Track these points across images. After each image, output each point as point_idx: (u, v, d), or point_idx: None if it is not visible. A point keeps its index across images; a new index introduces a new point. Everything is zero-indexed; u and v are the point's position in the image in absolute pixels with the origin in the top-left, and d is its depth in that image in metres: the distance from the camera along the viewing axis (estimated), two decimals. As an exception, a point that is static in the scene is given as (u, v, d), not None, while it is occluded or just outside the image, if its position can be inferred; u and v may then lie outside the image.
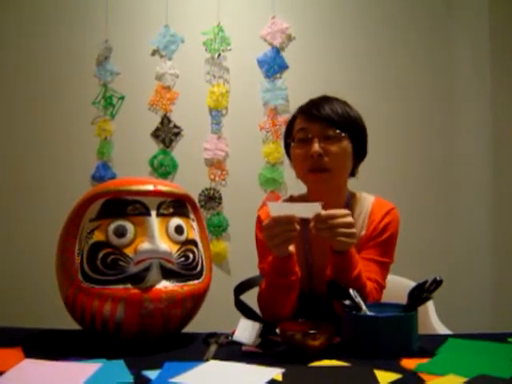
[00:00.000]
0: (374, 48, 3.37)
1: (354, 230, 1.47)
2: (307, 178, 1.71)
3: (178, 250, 1.45)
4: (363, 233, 1.71)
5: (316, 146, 1.63)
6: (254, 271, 1.83)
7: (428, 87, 3.36)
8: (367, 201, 1.77)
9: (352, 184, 1.81)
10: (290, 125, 1.77)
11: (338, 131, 1.65)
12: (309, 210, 1.47)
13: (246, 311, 1.63)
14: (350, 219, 1.47)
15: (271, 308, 1.61)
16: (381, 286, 1.68)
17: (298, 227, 1.47)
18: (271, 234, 1.48)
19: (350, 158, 1.70)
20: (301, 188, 1.83)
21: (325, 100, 1.72)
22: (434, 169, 3.32)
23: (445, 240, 3.27)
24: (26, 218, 3.43)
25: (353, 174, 1.78)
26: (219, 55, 3.40)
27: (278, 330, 1.38)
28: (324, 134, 1.65)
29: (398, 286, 1.95)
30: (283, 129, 1.88)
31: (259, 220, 1.85)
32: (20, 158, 3.46)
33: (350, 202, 1.75)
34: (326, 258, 1.57)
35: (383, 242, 1.70)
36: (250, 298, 1.67)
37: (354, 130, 1.70)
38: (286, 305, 1.61)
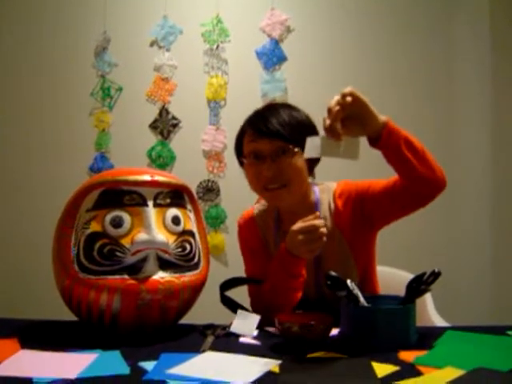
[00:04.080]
0: (373, 40, 3.36)
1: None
2: (263, 195, 1.71)
3: (175, 240, 1.44)
4: (333, 211, 1.71)
5: (268, 167, 1.61)
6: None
7: (427, 78, 3.34)
8: (329, 188, 1.76)
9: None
10: (240, 139, 1.72)
11: (289, 146, 1.61)
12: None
13: (232, 306, 1.63)
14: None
15: (272, 309, 1.55)
16: None
17: (324, 231, 1.49)
18: (300, 241, 1.51)
19: (305, 167, 1.67)
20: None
21: (271, 111, 1.66)
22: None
23: (444, 233, 3.27)
24: (23, 208, 3.42)
25: (311, 174, 1.74)
26: (218, 46, 3.39)
27: (275, 322, 1.37)
28: (275, 151, 1.62)
29: (396, 279, 1.95)
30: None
31: (239, 226, 1.86)
32: (17, 149, 3.45)
33: (318, 204, 1.73)
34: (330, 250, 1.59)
35: (369, 186, 1.68)
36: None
37: (304, 137, 1.59)
38: (289, 306, 1.61)
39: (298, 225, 1.52)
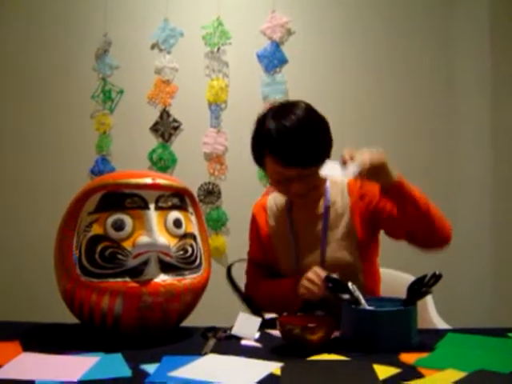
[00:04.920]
0: (373, 42, 3.35)
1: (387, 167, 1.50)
2: (291, 199, 1.78)
3: (177, 243, 1.45)
4: (348, 202, 1.75)
5: (296, 187, 1.64)
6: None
7: (427, 83, 3.34)
8: (342, 180, 1.79)
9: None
10: (260, 155, 1.69)
11: (313, 168, 1.59)
12: None
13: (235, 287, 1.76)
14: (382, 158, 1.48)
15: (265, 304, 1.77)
16: None
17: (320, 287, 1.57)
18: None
19: None
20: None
21: (295, 136, 1.60)
22: (434, 164, 3.31)
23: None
24: (24, 211, 3.42)
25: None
26: (219, 49, 3.39)
27: (277, 324, 1.38)
28: (302, 174, 1.62)
29: (397, 281, 1.95)
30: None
31: (252, 213, 1.92)
32: (19, 152, 3.45)
33: (327, 191, 1.78)
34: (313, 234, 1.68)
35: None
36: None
37: (326, 147, 1.69)
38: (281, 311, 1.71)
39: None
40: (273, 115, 1.66)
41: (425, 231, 1.58)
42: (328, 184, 1.79)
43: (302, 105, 1.68)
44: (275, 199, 1.87)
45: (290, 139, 1.60)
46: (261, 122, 1.68)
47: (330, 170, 1.48)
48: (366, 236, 1.75)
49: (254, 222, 1.91)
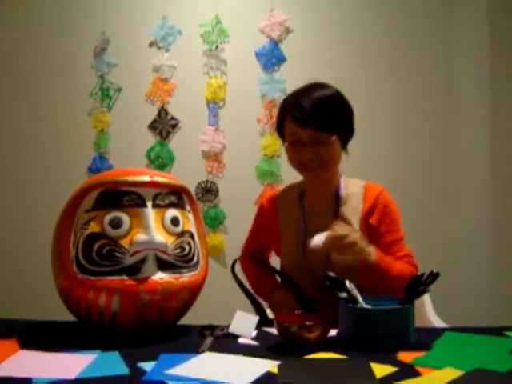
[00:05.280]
0: (372, 41, 3.35)
1: (358, 247, 1.60)
2: (302, 173, 1.82)
3: (174, 241, 1.45)
4: (360, 207, 1.80)
5: (308, 153, 1.72)
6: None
7: (426, 81, 3.34)
8: (359, 183, 1.86)
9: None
10: (281, 121, 1.81)
11: (326, 135, 1.71)
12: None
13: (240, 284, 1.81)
14: (350, 240, 1.58)
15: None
16: (410, 256, 1.79)
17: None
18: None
19: (340, 149, 1.77)
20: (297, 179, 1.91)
21: (311, 99, 1.72)
22: (433, 164, 3.32)
23: (443, 234, 3.27)
24: (22, 209, 3.41)
25: (344, 149, 1.83)
26: (217, 47, 3.38)
27: (274, 322, 1.38)
28: (315, 138, 1.70)
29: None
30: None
31: (260, 204, 2.00)
32: (16, 150, 3.44)
33: (340, 187, 1.84)
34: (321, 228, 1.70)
35: (391, 223, 1.79)
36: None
37: (342, 124, 1.76)
38: None
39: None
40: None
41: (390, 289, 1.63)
42: (342, 181, 1.85)
43: (327, 86, 1.79)
44: (286, 192, 1.95)
45: (308, 99, 1.72)
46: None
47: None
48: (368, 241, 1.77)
49: (261, 211, 1.98)
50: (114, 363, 1.22)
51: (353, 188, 1.83)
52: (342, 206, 1.80)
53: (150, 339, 1.40)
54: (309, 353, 1.27)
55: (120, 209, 1.42)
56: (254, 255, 1.98)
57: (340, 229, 1.60)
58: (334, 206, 1.80)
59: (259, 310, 1.74)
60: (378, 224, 1.78)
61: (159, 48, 3.41)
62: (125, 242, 1.39)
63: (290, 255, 1.84)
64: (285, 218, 1.89)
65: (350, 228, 1.67)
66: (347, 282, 1.44)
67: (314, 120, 1.69)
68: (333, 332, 1.39)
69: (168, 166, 3.38)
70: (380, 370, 1.14)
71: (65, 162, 3.39)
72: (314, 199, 1.85)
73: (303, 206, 1.86)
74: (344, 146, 1.79)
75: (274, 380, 1.10)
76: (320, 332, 1.32)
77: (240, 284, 1.80)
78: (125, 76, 3.41)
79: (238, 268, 1.86)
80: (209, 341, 1.38)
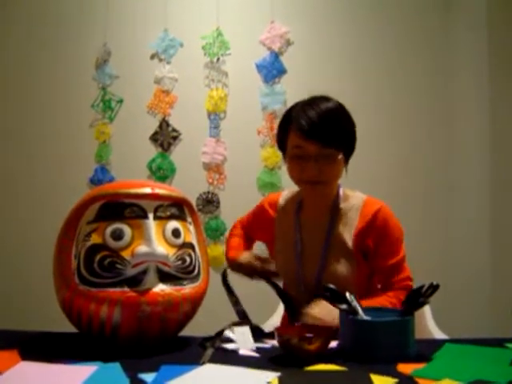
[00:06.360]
0: (373, 53, 3.37)
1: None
2: (303, 187, 1.80)
3: (175, 253, 1.45)
4: (356, 223, 1.77)
5: (311, 169, 1.68)
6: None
7: (426, 91, 3.36)
8: (359, 197, 1.83)
9: (351, 183, 1.86)
10: (283, 133, 1.77)
11: (332, 152, 1.68)
12: None
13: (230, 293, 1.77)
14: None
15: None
16: (408, 279, 1.77)
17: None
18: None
19: (342, 166, 1.75)
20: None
21: (318, 112, 1.68)
22: (433, 165, 3.32)
23: (442, 243, 3.27)
24: (23, 220, 3.42)
25: (345, 164, 1.80)
26: (218, 59, 3.41)
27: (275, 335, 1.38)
28: (321, 154, 1.68)
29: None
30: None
31: (263, 201, 2.03)
32: (19, 160, 3.46)
33: (338, 201, 1.81)
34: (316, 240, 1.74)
35: (390, 244, 1.76)
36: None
37: (348, 140, 1.75)
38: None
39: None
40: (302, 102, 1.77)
41: None
42: (341, 192, 1.83)
43: (331, 99, 1.76)
44: (286, 202, 1.93)
45: (315, 112, 1.68)
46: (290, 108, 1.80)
47: None
48: (361, 257, 1.77)
49: (262, 212, 1.99)
50: (115, 375, 1.22)
51: (352, 201, 1.82)
52: (337, 221, 1.79)
53: (150, 350, 1.40)
54: (309, 364, 1.27)
55: (122, 221, 1.43)
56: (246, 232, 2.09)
57: (316, 311, 1.59)
58: (329, 219, 1.80)
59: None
60: (376, 246, 1.75)
61: (161, 60, 3.43)
62: (126, 254, 1.39)
63: (285, 267, 1.84)
64: (282, 229, 1.90)
65: (327, 309, 1.57)
66: (347, 294, 1.44)
67: (322, 135, 1.66)
68: (333, 343, 1.40)
69: (169, 178, 3.39)
70: (380, 381, 1.14)
71: (67, 174, 3.40)
72: (311, 211, 1.85)
73: (299, 218, 1.86)
74: (346, 162, 1.77)
75: (274, 392, 1.11)
76: (320, 344, 1.32)
77: (230, 293, 1.76)
78: (126, 88, 3.43)
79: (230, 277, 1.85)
80: (210, 352, 1.38)
